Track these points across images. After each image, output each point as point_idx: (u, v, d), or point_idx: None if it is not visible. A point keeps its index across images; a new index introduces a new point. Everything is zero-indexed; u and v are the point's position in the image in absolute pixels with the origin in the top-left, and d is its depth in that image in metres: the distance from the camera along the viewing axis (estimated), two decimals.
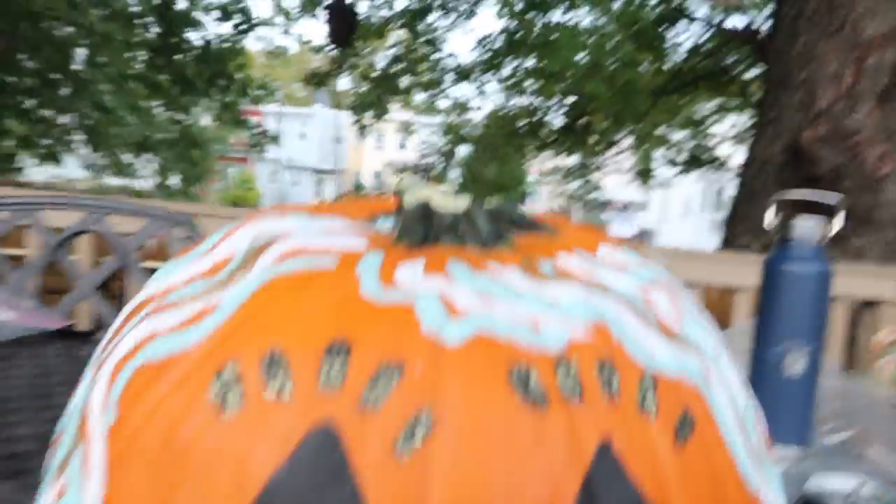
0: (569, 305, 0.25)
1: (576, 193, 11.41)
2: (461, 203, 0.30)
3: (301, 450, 0.21)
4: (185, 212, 1.58)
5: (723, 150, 7.73)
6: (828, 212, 0.89)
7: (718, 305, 2.72)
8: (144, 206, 1.64)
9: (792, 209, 0.92)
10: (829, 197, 0.90)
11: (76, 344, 1.17)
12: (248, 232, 0.29)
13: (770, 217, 0.89)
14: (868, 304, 2.25)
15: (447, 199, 0.30)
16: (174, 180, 9.70)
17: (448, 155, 8.83)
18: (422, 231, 0.29)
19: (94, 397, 0.26)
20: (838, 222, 0.87)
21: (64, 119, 7.61)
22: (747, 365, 0.89)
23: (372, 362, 0.22)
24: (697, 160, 7.68)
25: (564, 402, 0.22)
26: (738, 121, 7.27)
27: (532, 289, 0.26)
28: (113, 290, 1.49)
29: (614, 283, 0.28)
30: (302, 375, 0.22)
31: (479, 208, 0.30)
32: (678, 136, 7.74)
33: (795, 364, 0.86)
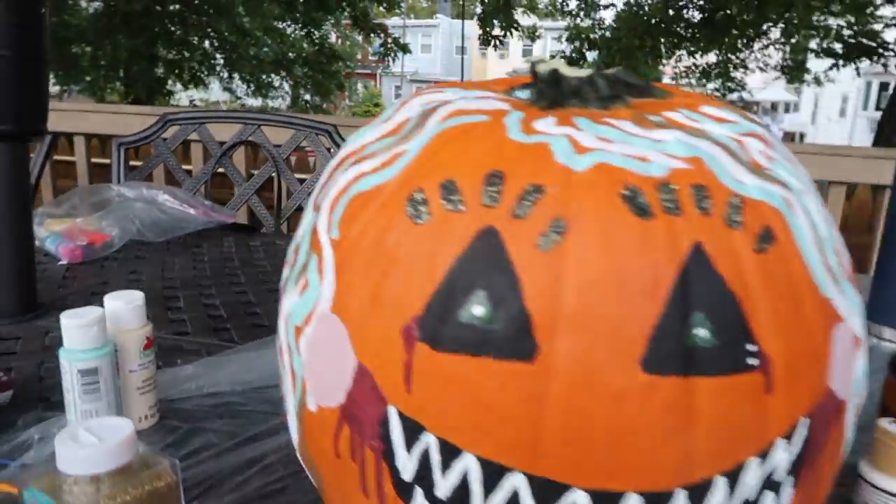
0: (671, 145, 0.32)
1: (714, 94, 10.68)
2: (584, 71, 0.37)
3: (472, 246, 0.30)
4: (328, 122, 1.72)
5: (889, 36, 6.83)
6: None
7: (869, 204, 2.55)
8: (291, 118, 1.79)
9: None
10: None
11: (247, 236, 1.36)
12: (418, 102, 0.38)
13: None
14: None
15: (573, 69, 0.37)
16: (307, 97, 10.07)
17: (574, 63, 8.52)
18: (552, 94, 0.36)
19: (321, 222, 0.36)
20: None
21: (205, 44, 8.10)
22: (881, 245, 0.90)
23: (519, 185, 0.30)
24: (859, 46, 6.80)
25: (665, 213, 0.30)
26: None
27: (642, 133, 0.32)
28: (263, 198, 1.67)
29: (712, 130, 0.34)
30: (470, 195, 0.31)
31: (600, 74, 0.36)
32: (836, 22, 6.89)
33: None
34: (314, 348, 0.34)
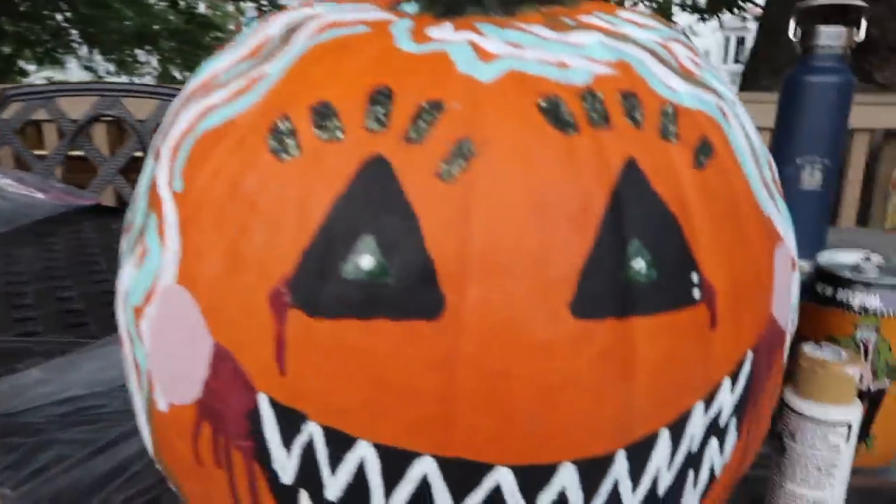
0: (592, 48, 0.26)
1: None
2: None
3: (355, 181, 0.23)
4: None
5: None
6: (852, 22, 0.86)
7: None
8: (156, 88, 1.63)
9: (815, 21, 0.90)
10: (852, 5, 0.87)
11: (108, 219, 1.22)
12: (281, 19, 0.31)
13: (793, 28, 0.87)
14: (890, 135, 2.22)
15: None
16: (177, 74, 9.47)
17: None
18: (447, 2, 0.29)
19: (160, 173, 0.28)
20: (863, 31, 0.84)
21: (57, 17, 7.38)
22: None
23: (412, 102, 0.24)
24: (720, 2, 7.20)
25: (591, 127, 0.24)
26: None
27: (557, 37, 0.27)
28: (132, 180, 1.52)
29: (635, 33, 0.29)
30: (350, 119, 0.24)
31: None
32: None
33: (812, 178, 0.87)
34: (159, 333, 0.27)
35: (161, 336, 0.26)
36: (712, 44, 20.38)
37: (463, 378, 0.23)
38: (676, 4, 7.36)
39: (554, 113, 0.24)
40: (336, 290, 0.23)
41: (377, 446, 0.24)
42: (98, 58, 8.32)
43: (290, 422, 0.24)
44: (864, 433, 0.48)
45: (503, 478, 0.24)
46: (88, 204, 1.17)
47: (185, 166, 0.27)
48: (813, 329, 0.47)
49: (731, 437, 0.28)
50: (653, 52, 0.28)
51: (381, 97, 0.24)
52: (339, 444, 0.24)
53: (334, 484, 0.24)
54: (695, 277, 0.25)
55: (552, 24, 0.28)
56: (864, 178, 2.28)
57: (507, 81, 0.24)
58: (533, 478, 0.24)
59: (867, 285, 0.45)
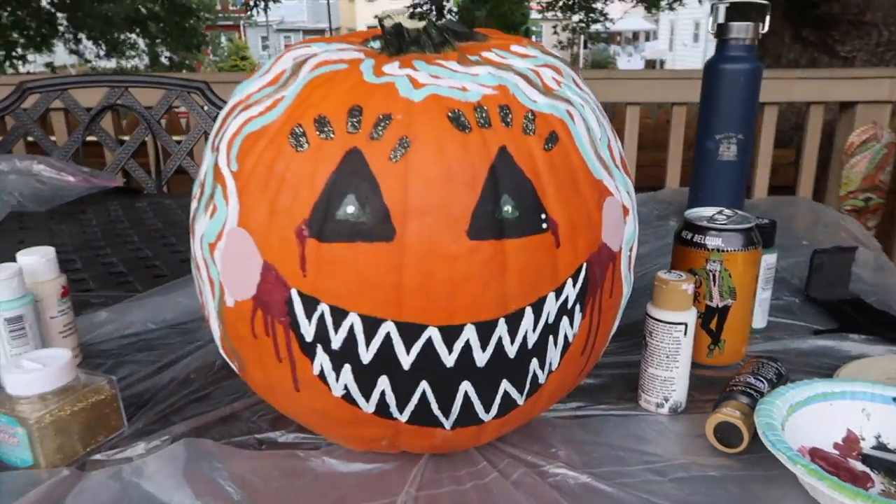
0: (483, 77, 0.43)
1: (579, 26, 11.08)
2: (420, 23, 0.47)
3: (343, 163, 0.40)
4: (199, 79, 1.73)
5: None
6: (761, 17, 1.03)
7: None
8: (161, 77, 1.77)
9: (728, 17, 1.06)
10: (757, 3, 1.03)
11: (131, 198, 1.38)
12: (289, 56, 0.47)
13: (710, 23, 1.04)
14: (845, 107, 2.38)
15: (413, 22, 0.47)
16: (166, 55, 9.53)
17: (437, 2, 8.58)
18: (397, 43, 0.46)
19: (220, 159, 0.45)
20: (766, 24, 1.01)
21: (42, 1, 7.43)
22: (693, 153, 1.08)
23: (374, 115, 0.41)
24: None
25: (479, 127, 0.41)
26: None
27: (462, 70, 0.44)
28: (141, 163, 1.67)
29: (516, 63, 0.46)
30: (338, 126, 0.41)
31: (433, 25, 0.47)
32: None
33: (728, 151, 1.05)
34: (227, 257, 0.44)
35: (228, 259, 0.44)
36: (702, 14, 20.39)
37: (407, 276, 0.40)
38: None
39: (457, 120, 0.41)
40: (334, 226, 0.40)
41: (361, 316, 0.41)
42: (88, 43, 8.36)
43: (310, 303, 0.41)
44: (717, 339, 0.65)
45: (433, 333, 0.41)
46: (112, 185, 1.34)
47: (238, 155, 0.44)
48: (679, 263, 0.65)
49: (577, 317, 0.46)
50: (524, 77, 0.45)
51: (356, 112, 0.41)
52: (339, 315, 0.41)
53: (336, 339, 0.42)
54: (543, 216, 0.42)
55: (462, 59, 0.45)
56: (824, 149, 2.45)
57: (429, 101, 0.42)
58: (450, 333, 0.42)
59: (715, 230, 0.63)
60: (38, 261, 0.64)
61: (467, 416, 0.45)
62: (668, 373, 0.57)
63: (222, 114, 0.48)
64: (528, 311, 0.43)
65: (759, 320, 0.73)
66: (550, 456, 0.52)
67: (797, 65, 3.21)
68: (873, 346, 0.70)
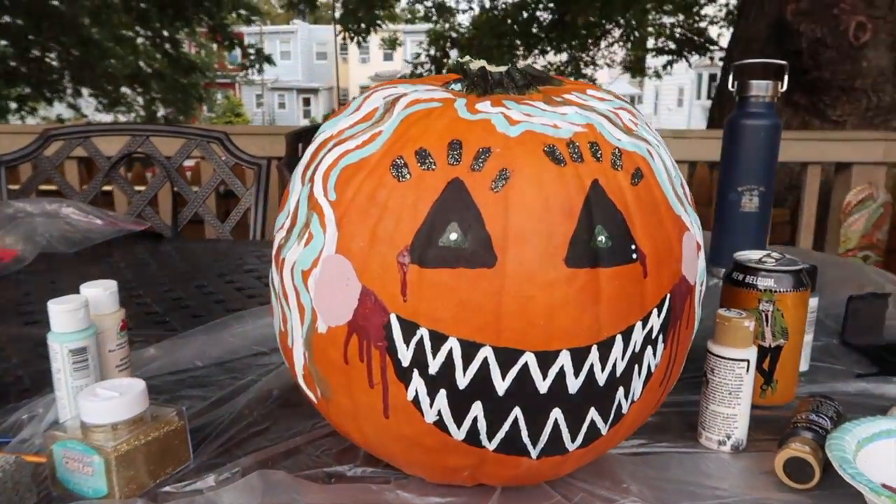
0: (571, 116, 0.46)
1: None
2: (502, 67, 0.50)
3: (445, 192, 0.42)
4: (218, 130, 1.76)
5: (712, 33, 7.74)
6: (777, 76, 1.08)
7: (707, 179, 2.93)
8: (181, 128, 1.81)
9: (749, 75, 1.11)
10: (777, 63, 1.08)
11: (154, 242, 1.39)
12: (378, 95, 0.50)
13: (731, 81, 1.09)
14: (841, 167, 2.46)
15: (494, 66, 0.50)
16: (162, 112, 9.67)
17: (438, 61, 8.83)
18: (482, 85, 0.49)
19: (316, 189, 0.47)
20: (785, 83, 1.06)
21: (51, 58, 7.58)
22: (715, 206, 1.11)
23: (473, 148, 0.43)
24: (689, 42, 7.67)
25: (573, 161, 0.44)
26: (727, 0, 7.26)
27: (551, 109, 0.46)
28: (157, 211, 1.69)
29: (597, 105, 0.48)
30: (439, 158, 0.43)
31: (515, 69, 0.50)
32: (669, 20, 7.72)
33: (750, 202, 1.08)
34: (323, 283, 0.45)
35: (324, 285, 0.45)
36: (686, 81, 21.08)
37: (506, 301, 0.42)
38: (649, 49, 7.76)
39: (552, 154, 0.43)
40: (436, 252, 0.42)
41: (459, 340, 0.42)
42: (90, 98, 8.49)
43: (409, 328, 0.43)
44: (769, 379, 0.67)
45: (529, 359, 0.42)
46: (140, 229, 1.35)
47: (336, 184, 0.46)
48: (730, 304, 0.66)
49: (660, 347, 0.47)
50: (607, 117, 0.47)
51: (455, 145, 0.43)
52: (438, 339, 0.42)
53: (434, 363, 0.43)
54: (633, 246, 0.44)
55: (548, 100, 0.48)
56: (819, 207, 2.51)
57: (525, 136, 0.44)
58: (546, 359, 0.43)
59: (767, 272, 0.65)
60: (101, 293, 0.65)
61: (554, 444, 0.46)
62: (731, 409, 0.58)
63: (312, 148, 0.50)
64: (619, 338, 0.44)
65: (803, 363, 0.74)
66: (623, 491, 0.52)
67: (789, 127, 3.33)
68: None
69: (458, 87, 0.52)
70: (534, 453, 0.46)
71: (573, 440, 0.46)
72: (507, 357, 0.43)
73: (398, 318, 0.43)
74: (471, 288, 0.42)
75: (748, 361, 0.57)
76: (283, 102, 28.53)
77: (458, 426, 0.44)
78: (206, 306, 0.99)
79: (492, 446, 0.45)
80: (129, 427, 0.52)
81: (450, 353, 0.42)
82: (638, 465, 0.56)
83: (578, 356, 0.43)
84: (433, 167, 0.43)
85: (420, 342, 0.43)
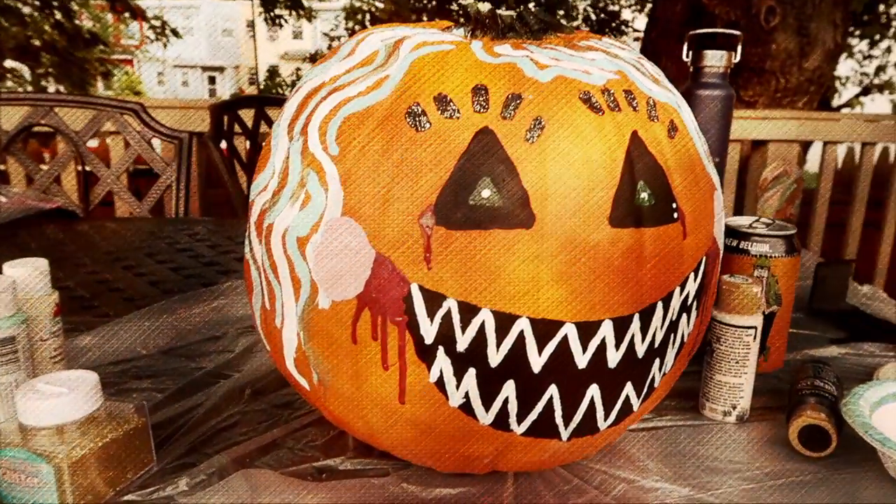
0: (600, 62, 0.41)
1: None
2: (512, 12, 0.45)
3: (473, 144, 0.37)
4: (133, 101, 1.62)
5: (626, 16, 7.95)
6: (729, 47, 1.08)
7: None
8: (92, 98, 1.65)
9: (701, 45, 1.11)
10: (730, 33, 1.08)
11: (70, 221, 1.26)
12: (374, 38, 0.43)
13: (686, 51, 1.07)
14: (757, 145, 2.56)
15: (504, 10, 0.45)
16: (52, 88, 8.99)
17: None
18: (493, 29, 0.43)
19: (311, 143, 0.40)
20: (738, 54, 1.06)
21: None
22: None
23: (502, 94, 0.38)
24: (605, 24, 7.85)
25: (610, 110, 0.39)
26: None
27: (578, 55, 0.41)
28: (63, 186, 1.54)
29: (619, 53, 0.44)
30: (462, 105, 0.37)
31: (527, 12, 0.45)
32: (582, 4, 7.87)
33: None
34: (325, 251, 0.39)
35: (327, 253, 0.38)
36: None
37: (546, 266, 0.37)
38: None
39: (589, 101, 0.39)
40: (466, 212, 0.36)
41: (493, 312, 0.37)
42: None
43: (434, 300, 0.37)
44: (762, 346, 0.65)
45: (570, 330, 0.38)
46: (48, 207, 1.21)
47: (337, 136, 0.39)
48: (724, 270, 0.64)
49: (693, 314, 0.44)
50: (634, 65, 0.43)
51: (481, 90, 0.38)
52: (468, 311, 0.37)
53: (463, 339, 0.37)
54: (674, 205, 0.40)
55: (570, 45, 0.43)
56: (737, 183, 2.61)
57: (558, 81, 0.39)
58: (586, 330, 0.38)
59: (760, 237, 0.63)
60: (30, 274, 0.55)
61: (587, 424, 0.41)
62: (738, 379, 0.56)
63: (296, 98, 0.43)
64: (659, 306, 0.40)
65: None
66: (642, 470, 0.49)
67: None
68: (887, 350, 0.72)
69: (460, 32, 0.46)
70: (565, 434, 0.41)
71: (606, 418, 0.42)
72: (545, 329, 0.38)
73: (420, 288, 0.37)
74: (507, 252, 0.36)
75: (756, 328, 0.55)
76: (187, 80, 27.20)
77: (487, 409, 0.39)
78: (138, 289, 0.89)
79: (520, 430, 0.40)
80: (80, 428, 0.44)
81: (482, 326, 0.37)
82: (647, 441, 0.53)
83: (621, 326, 0.39)
84: (457, 115, 0.37)
85: (447, 315, 0.37)
